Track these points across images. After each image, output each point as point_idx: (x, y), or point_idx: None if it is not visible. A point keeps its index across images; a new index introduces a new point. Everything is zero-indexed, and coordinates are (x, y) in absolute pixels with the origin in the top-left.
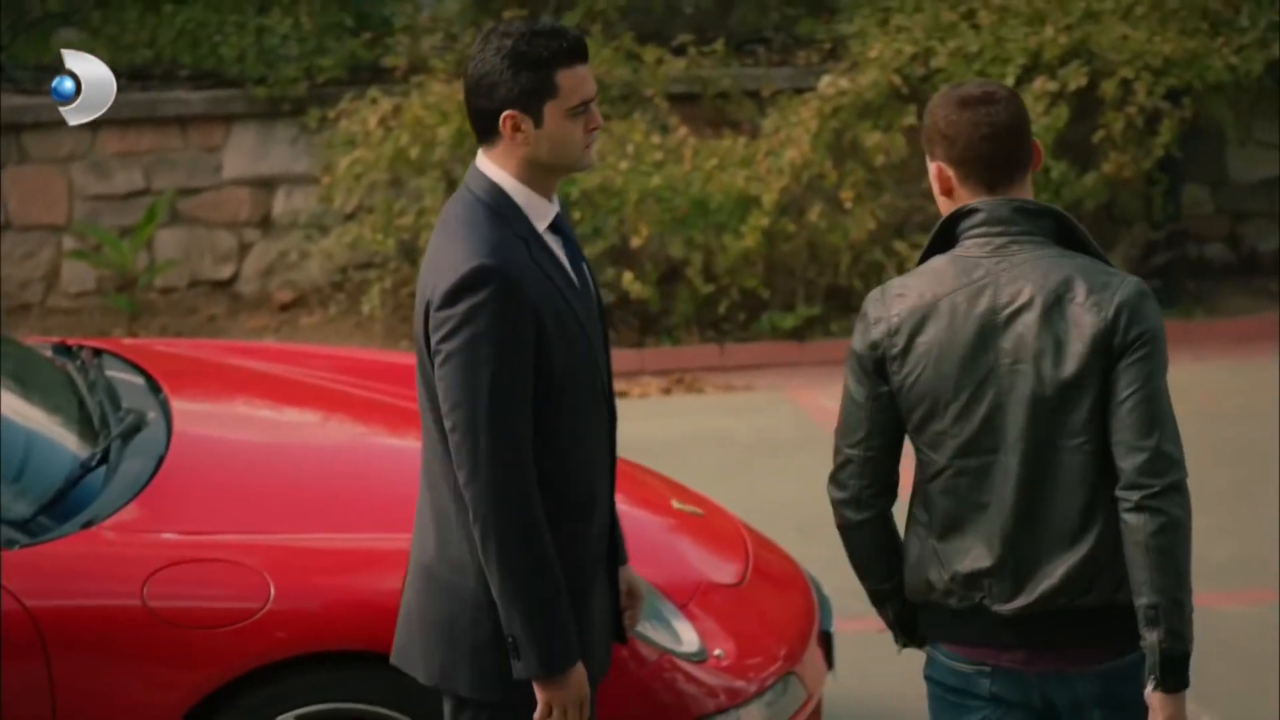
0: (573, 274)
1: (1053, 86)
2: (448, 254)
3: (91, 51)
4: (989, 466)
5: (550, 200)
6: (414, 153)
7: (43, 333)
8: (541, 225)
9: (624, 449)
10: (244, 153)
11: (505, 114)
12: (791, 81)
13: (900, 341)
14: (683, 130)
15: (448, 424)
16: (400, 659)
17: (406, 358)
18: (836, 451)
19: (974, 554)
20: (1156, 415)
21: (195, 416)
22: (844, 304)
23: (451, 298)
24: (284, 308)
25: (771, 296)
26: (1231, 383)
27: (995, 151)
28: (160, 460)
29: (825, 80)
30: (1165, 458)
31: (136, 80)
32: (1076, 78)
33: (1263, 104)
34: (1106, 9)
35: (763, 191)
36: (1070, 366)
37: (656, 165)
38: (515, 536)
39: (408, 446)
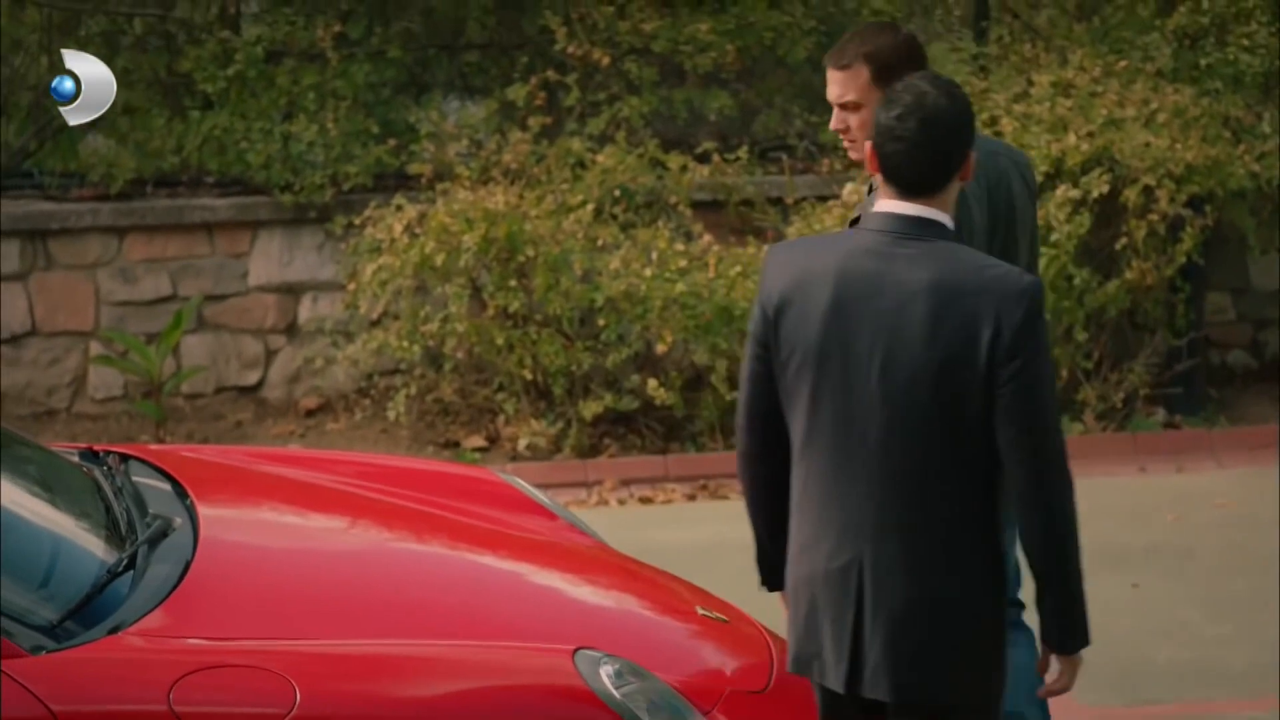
0: None
1: (1075, 194)
2: (990, 280)
3: (118, 158)
4: None
5: None
6: (439, 259)
7: (69, 439)
8: None
9: (649, 555)
10: (270, 259)
11: (969, 151)
12: (815, 189)
13: None
14: (707, 237)
15: (1029, 439)
16: (911, 694)
17: (432, 464)
18: None
19: None
20: None
21: (222, 522)
22: None
23: (1032, 318)
24: (310, 414)
25: None
26: (1253, 490)
27: None
28: (187, 566)
29: (849, 188)
30: None
31: (163, 187)
32: (1099, 185)
33: None
34: (1129, 116)
35: None
36: None
37: (681, 272)
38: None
39: (432, 552)
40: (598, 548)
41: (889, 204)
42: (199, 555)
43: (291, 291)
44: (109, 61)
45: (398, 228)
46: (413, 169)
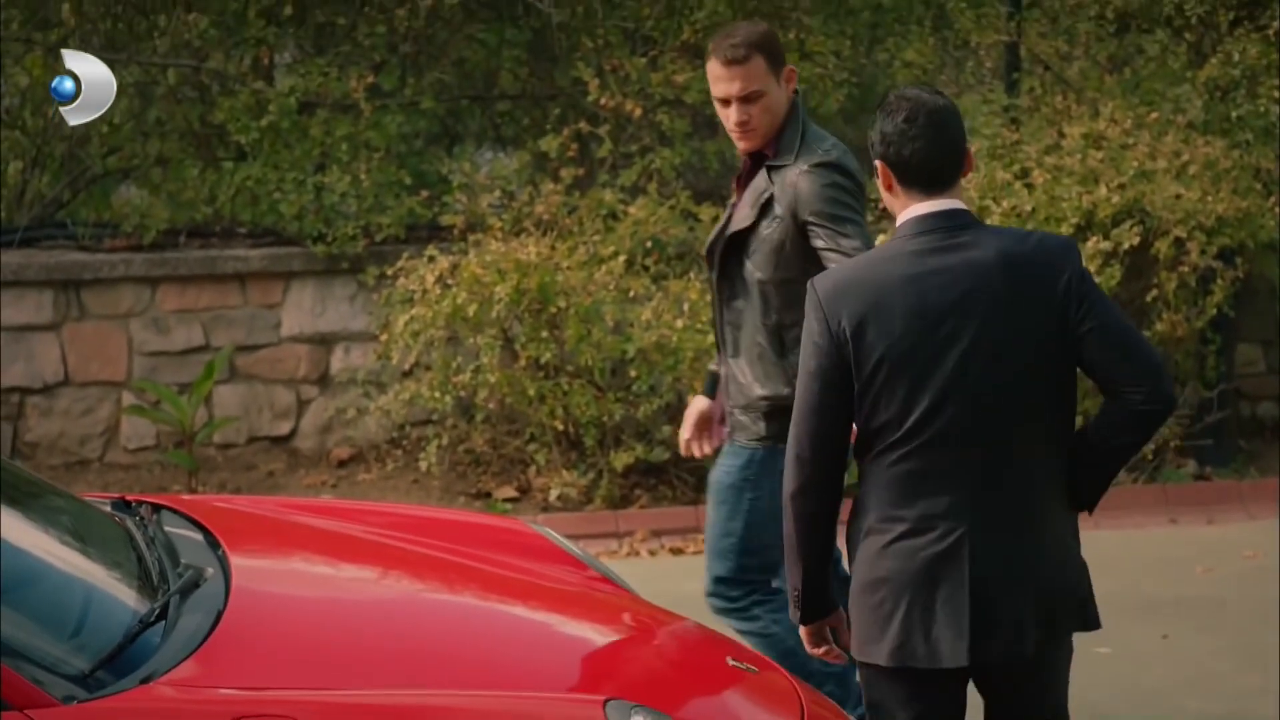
0: None
1: (1106, 246)
2: (1038, 242)
3: (151, 209)
4: None
5: None
6: (471, 310)
7: (102, 489)
8: None
9: (679, 605)
10: (302, 310)
11: (967, 144)
12: None
13: None
14: None
15: (1120, 351)
16: (1036, 646)
17: (463, 514)
18: None
19: None
20: None
21: (254, 572)
22: None
23: (1081, 265)
24: (342, 464)
25: None
26: None
27: None
28: (219, 616)
29: (880, 240)
30: None
31: (196, 237)
32: (1130, 237)
33: None
34: (1160, 168)
35: None
36: None
37: (712, 323)
38: None
39: (464, 603)
40: (628, 598)
41: (919, 207)
42: (231, 605)
43: (324, 342)
44: (142, 112)
45: (430, 279)
46: (445, 220)
